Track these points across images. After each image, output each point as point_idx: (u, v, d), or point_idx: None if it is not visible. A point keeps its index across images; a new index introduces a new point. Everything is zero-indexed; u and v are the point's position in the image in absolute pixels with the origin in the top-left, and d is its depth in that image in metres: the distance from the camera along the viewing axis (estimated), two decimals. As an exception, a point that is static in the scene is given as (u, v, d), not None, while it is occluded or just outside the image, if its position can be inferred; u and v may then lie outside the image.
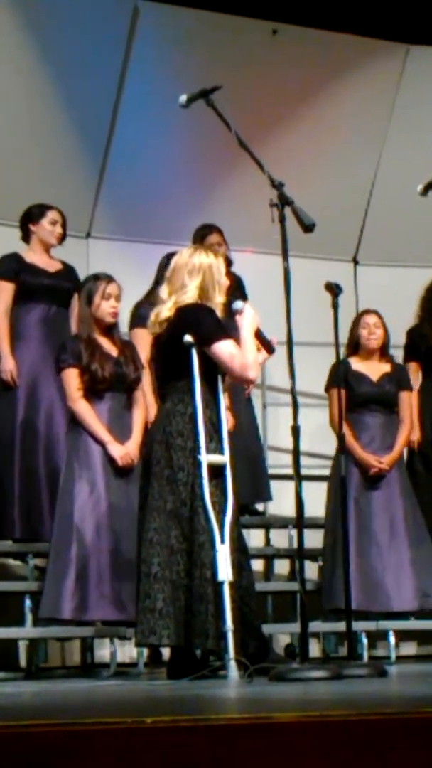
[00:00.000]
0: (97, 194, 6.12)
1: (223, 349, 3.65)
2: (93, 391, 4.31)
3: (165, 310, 3.74)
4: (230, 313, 3.83)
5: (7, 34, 5.75)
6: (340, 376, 4.57)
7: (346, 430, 4.54)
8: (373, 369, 4.97)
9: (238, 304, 3.77)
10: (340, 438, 4.17)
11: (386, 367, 4.99)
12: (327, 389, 4.88)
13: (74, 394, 4.28)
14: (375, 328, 4.92)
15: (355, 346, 4.95)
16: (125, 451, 4.27)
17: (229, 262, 4.17)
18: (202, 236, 5.19)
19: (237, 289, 4.73)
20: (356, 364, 4.92)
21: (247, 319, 3.73)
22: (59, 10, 5.97)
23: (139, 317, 4.83)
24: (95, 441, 4.30)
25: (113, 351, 4.38)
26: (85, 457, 4.32)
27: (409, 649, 5.75)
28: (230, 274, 4.21)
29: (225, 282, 3.81)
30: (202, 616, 3.53)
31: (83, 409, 4.27)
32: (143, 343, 4.64)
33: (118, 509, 4.27)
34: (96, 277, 4.47)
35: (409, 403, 5.03)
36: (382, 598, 4.79)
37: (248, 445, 5.18)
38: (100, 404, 4.34)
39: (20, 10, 5.80)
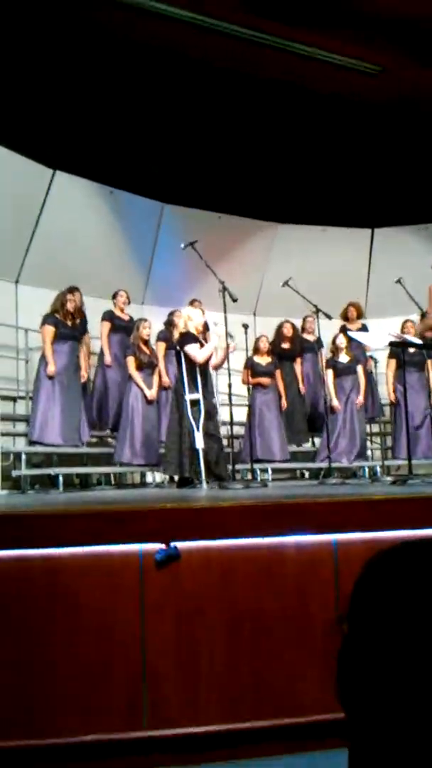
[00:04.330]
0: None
1: (187, 349, 7.33)
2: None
3: (176, 331, 7.85)
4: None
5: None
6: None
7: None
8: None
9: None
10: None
11: None
12: None
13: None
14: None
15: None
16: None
17: (204, 313, 7.89)
18: (191, 302, 9.05)
19: (206, 328, 8.02)
20: None
21: (212, 343, 7.39)
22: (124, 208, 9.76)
23: (161, 334, 9.07)
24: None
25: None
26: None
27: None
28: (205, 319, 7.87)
29: (200, 322, 7.53)
30: (180, 460, 7.20)
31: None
32: (161, 349, 8.81)
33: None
34: None
35: None
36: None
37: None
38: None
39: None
